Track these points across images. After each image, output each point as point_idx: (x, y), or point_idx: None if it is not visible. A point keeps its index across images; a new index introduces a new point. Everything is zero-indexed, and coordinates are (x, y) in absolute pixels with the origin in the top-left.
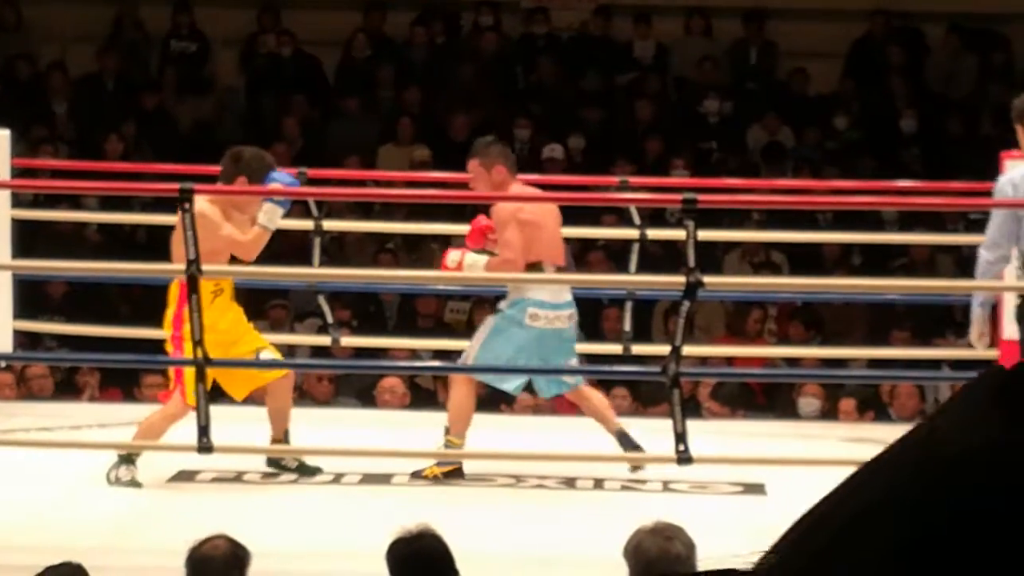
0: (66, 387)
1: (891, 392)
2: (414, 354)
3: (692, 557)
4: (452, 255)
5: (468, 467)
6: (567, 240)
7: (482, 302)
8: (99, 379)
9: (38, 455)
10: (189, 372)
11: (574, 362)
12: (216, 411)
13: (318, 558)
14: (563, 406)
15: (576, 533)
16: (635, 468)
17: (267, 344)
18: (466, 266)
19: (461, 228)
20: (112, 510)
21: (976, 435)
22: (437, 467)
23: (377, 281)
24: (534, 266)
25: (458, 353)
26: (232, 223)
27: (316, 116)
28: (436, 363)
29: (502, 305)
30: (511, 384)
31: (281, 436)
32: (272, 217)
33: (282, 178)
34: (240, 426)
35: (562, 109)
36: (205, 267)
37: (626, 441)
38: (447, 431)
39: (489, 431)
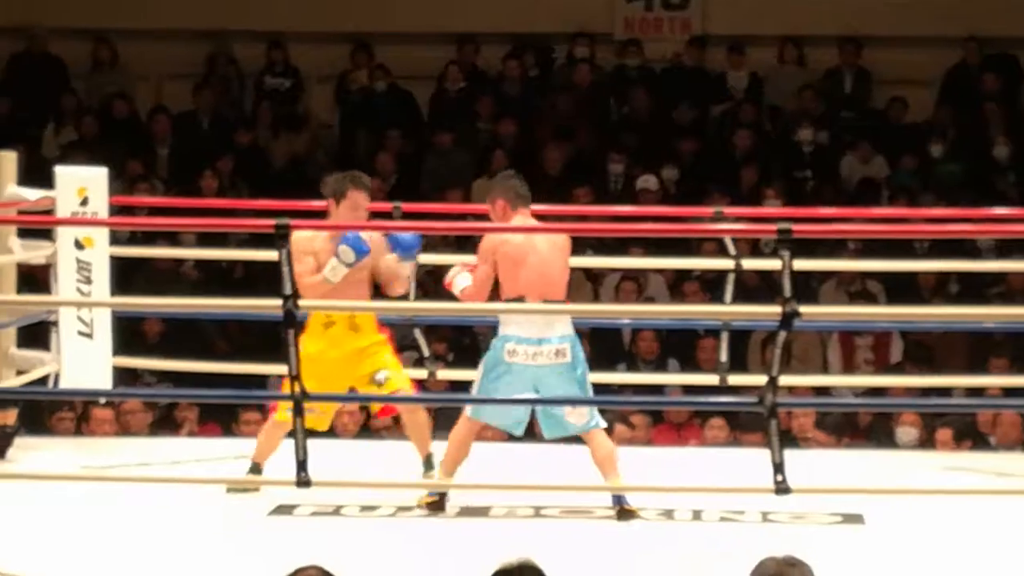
0: (164, 423)
1: (993, 421)
2: None
3: None
4: (455, 274)
5: (566, 499)
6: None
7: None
8: (197, 414)
9: (137, 490)
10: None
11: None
12: (314, 445)
13: None
14: (660, 437)
15: (675, 566)
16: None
17: (388, 365)
18: (454, 284)
19: None
20: (209, 544)
21: None
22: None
23: (472, 315)
24: (517, 300)
25: None
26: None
27: (410, 150)
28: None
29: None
30: (509, 421)
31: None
32: (336, 274)
33: (353, 243)
34: (338, 460)
35: (656, 140)
36: (302, 302)
37: (616, 499)
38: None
39: (585, 462)
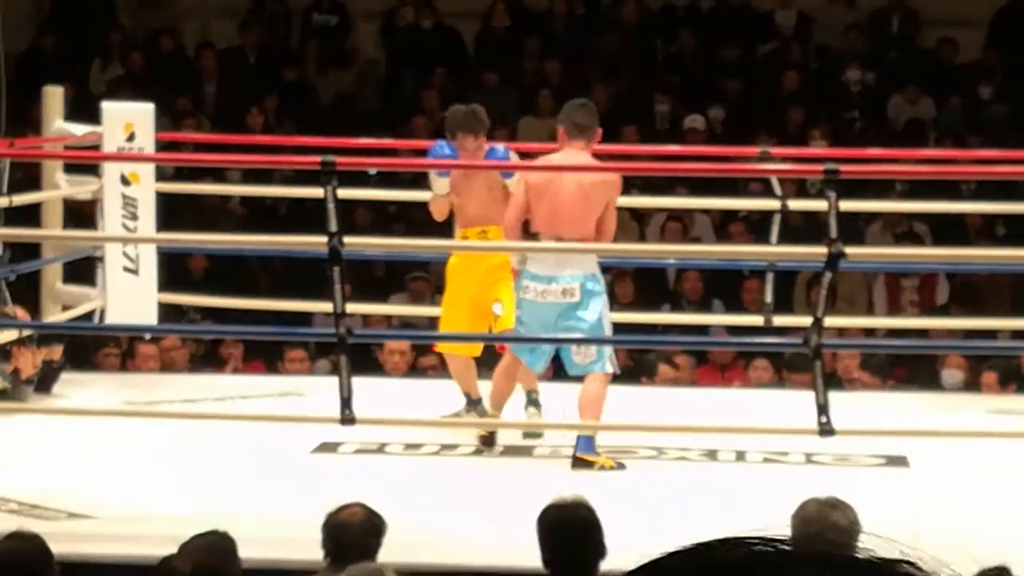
0: (209, 359)
1: None
2: None
3: (853, 533)
4: None
5: (609, 439)
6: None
7: (623, 275)
8: (242, 352)
9: (182, 426)
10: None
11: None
12: (360, 383)
13: (454, 528)
14: (704, 378)
15: (718, 506)
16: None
17: (503, 297)
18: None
19: None
20: (254, 481)
21: None
22: (592, 455)
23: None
24: (534, 236)
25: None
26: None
27: (456, 88)
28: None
29: None
30: (529, 357)
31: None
32: (438, 188)
33: (438, 151)
34: (383, 399)
35: (702, 80)
36: (346, 239)
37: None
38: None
39: (630, 403)
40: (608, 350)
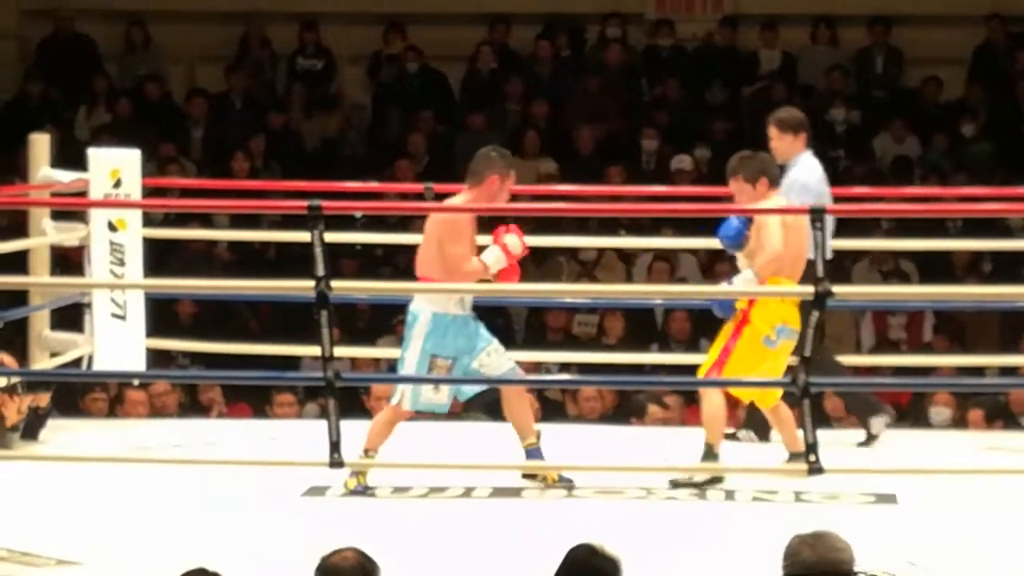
0: (192, 404)
1: None
2: (540, 367)
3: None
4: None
5: (601, 480)
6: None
7: (613, 312)
8: (223, 395)
9: (171, 472)
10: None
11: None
12: (348, 426)
13: (446, 571)
14: (693, 417)
15: (708, 547)
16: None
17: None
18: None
19: (584, 241)
20: (244, 526)
21: None
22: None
23: (505, 295)
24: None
25: (588, 366)
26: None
27: (442, 131)
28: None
29: None
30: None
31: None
32: (496, 263)
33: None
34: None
35: (688, 120)
36: (335, 283)
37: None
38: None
39: (619, 443)
40: (407, 388)
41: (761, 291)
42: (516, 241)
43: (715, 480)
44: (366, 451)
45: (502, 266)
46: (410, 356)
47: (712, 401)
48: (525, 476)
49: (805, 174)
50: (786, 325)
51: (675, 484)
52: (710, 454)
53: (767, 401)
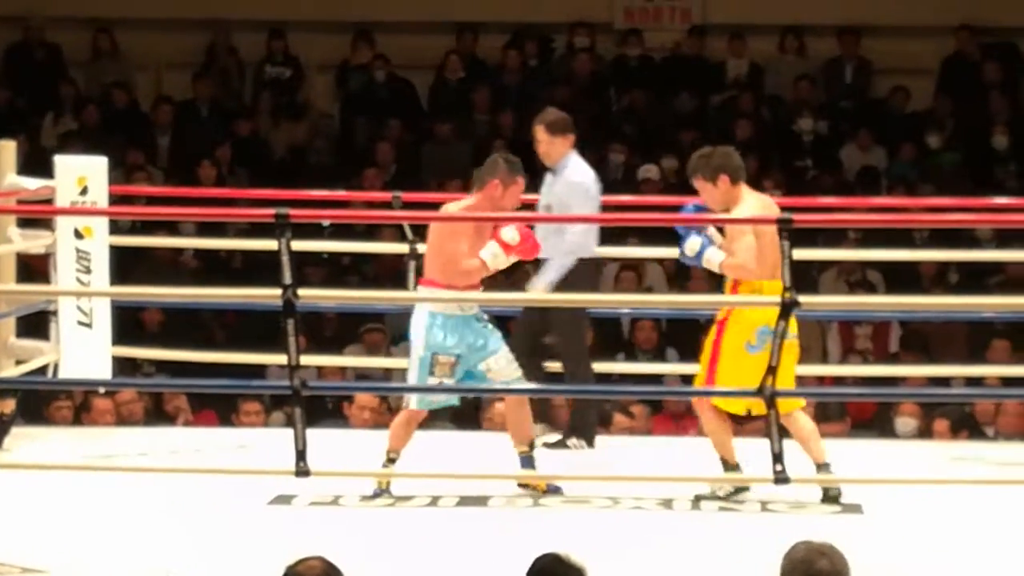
0: (158, 412)
1: (996, 411)
2: None
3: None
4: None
5: (565, 488)
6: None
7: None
8: (189, 403)
9: (136, 480)
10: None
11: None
12: (313, 435)
13: None
14: (659, 426)
15: (674, 555)
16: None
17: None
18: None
19: None
20: (210, 534)
21: None
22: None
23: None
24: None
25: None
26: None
27: (410, 140)
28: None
29: None
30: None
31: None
32: (494, 259)
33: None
34: (338, 451)
35: (656, 130)
36: (302, 291)
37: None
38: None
39: (585, 452)
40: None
41: (730, 301)
42: (512, 233)
43: (741, 490)
44: (388, 454)
45: (501, 261)
46: (412, 357)
47: (706, 416)
48: (520, 485)
49: (581, 175)
50: (768, 327)
51: (699, 498)
52: (728, 466)
53: (785, 409)
